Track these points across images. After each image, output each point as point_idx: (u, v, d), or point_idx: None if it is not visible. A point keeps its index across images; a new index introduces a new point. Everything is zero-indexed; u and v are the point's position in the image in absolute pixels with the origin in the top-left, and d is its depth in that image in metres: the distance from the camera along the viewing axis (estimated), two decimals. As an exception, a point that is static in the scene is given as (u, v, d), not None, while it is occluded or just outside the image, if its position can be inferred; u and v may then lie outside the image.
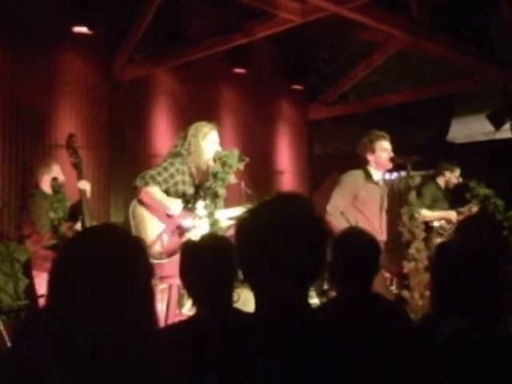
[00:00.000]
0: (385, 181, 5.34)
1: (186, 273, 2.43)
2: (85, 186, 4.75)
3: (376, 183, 4.97)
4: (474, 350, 1.99)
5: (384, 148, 4.89)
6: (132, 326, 1.48)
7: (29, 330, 1.54)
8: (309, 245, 1.50)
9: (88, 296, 1.45)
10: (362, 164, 4.96)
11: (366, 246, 2.88)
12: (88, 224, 4.55)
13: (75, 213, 4.83)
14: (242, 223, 1.58)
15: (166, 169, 4.21)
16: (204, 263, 2.37)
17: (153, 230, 4.12)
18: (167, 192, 4.18)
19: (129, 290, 1.49)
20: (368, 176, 4.91)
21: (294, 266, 1.47)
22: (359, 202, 4.83)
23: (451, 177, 6.57)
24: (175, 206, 4.15)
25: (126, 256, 1.53)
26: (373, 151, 4.89)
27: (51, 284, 1.51)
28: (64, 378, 1.39)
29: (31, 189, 5.37)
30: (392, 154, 4.91)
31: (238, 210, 4.31)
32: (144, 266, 1.57)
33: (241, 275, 1.58)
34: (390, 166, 4.99)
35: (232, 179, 4.23)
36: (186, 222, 4.14)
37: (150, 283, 1.57)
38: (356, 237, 2.95)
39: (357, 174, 4.94)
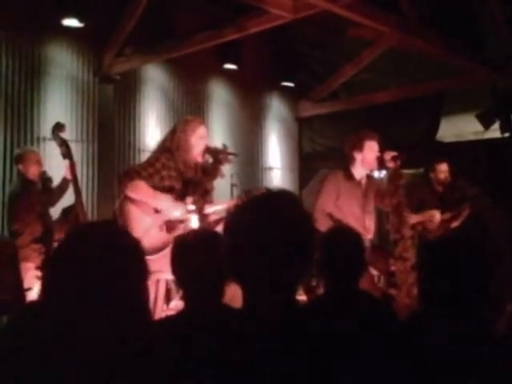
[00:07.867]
0: (374, 178, 5.34)
1: (175, 267, 2.44)
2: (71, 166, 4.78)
3: (357, 183, 4.94)
4: (460, 348, 2.00)
5: (372, 148, 4.88)
6: (127, 325, 1.47)
7: (15, 325, 1.53)
8: (297, 242, 1.50)
9: (83, 294, 1.43)
10: (346, 162, 4.94)
11: (349, 243, 2.91)
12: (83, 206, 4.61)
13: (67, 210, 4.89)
14: (230, 219, 1.58)
15: (151, 164, 4.20)
16: (193, 258, 2.38)
17: (140, 225, 4.11)
18: (153, 188, 4.16)
19: (125, 287, 1.48)
20: (349, 175, 4.89)
21: (282, 263, 1.47)
22: (341, 202, 4.82)
23: (437, 174, 6.44)
24: (165, 198, 4.14)
25: (124, 254, 1.52)
26: (361, 149, 4.87)
27: (46, 281, 1.50)
28: (52, 376, 1.38)
29: (19, 180, 5.33)
30: (379, 155, 4.89)
31: (226, 205, 4.31)
32: (140, 264, 1.56)
33: (229, 271, 1.58)
34: (376, 166, 4.97)
35: (221, 174, 4.24)
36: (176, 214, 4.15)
37: (145, 281, 1.56)
38: (340, 234, 3.01)
39: (337, 175, 4.92)
